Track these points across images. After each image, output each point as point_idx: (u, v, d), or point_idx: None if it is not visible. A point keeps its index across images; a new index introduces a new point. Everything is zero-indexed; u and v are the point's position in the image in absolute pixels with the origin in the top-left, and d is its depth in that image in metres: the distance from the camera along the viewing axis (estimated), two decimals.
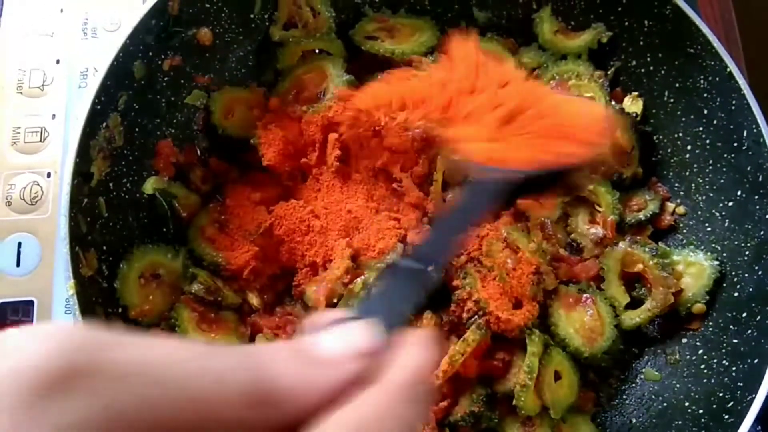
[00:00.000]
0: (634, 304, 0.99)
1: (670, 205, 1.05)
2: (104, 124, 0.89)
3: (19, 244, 1.02)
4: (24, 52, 1.13)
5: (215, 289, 0.94)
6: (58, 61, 1.14)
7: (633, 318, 0.98)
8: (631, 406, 0.98)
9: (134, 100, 0.93)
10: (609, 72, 1.08)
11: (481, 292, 0.92)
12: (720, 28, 1.37)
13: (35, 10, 1.16)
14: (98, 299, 0.85)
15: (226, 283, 0.96)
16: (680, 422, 0.91)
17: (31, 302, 1.00)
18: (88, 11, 1.16)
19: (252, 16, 1.06)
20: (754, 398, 0.81)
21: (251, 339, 0.94)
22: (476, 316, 0.92)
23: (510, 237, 0.97)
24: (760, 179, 0.91)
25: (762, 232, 0.91)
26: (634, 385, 0.99)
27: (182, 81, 1.01)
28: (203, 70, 1.04)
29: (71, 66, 1.13)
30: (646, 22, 1.02)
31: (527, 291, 0.95)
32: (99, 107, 0.88)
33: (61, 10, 1.16)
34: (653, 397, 0.96)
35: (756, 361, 0.85)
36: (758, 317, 0.88)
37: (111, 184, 0.92)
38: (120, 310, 0.89)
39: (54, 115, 1.10)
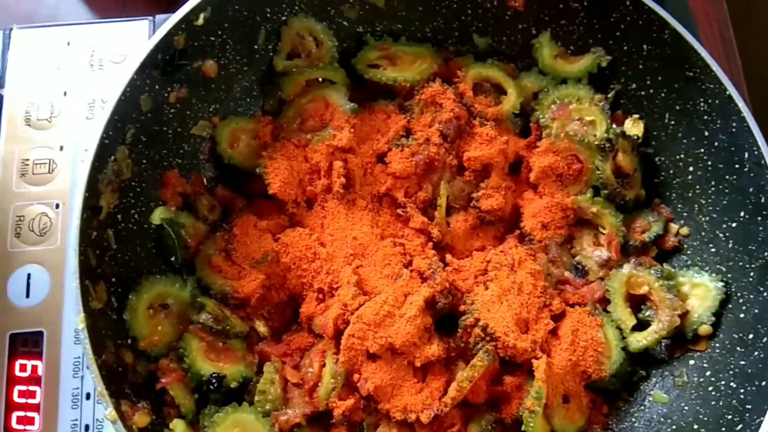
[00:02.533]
0: (641, 326, 1.00)
1: (674, 227, 1.06)
2: (112, 158, 0.91)
3: (29, 276, 1.03)
4: (31, 85, 1.15)
5: (223, 317, 0.94)
6: (65, 93, 1.15)
7: (640, 340, 0.98)
8: (641, 429, 0.97)
9: (141, 132, 0.95)
10: (609, 95, 1.09)
11: (487, 317, 0.93)
12: (719, 45, 1.39)
13: (42, 43, 1.18)
14: (108, 332, 0.86)
15: (233, 312, 0.97)
16: None
17: (41, 333, 1.01)
18: (95, 44, 1.18)
19: (256, 47, 1.08)
20: (762, 421, 0.81)
21: (259, 367, 0.94)
22: (483, 342, 0.92)
23: (515, 260, 0.98)
24: (763, 200, 0.92)
25: (766, 253, 0.92)
26: (642, 407, 0.99)
27: (188, 112, 1.03)
28: (208, 101, 1.05)
29: (78, 98, 1.15)
30: (645, 46, 1.04)
31: (533, 315, 0.95)
32: (107, 141, 0.89)
33: (68, 43, 1.18)
34: (662, 419, 0.96)
35: (764, 383, 0.85)
36: (765, 338, 0.88)
37: (119, 216, 0.93)
38: (130, 341, 0.89)
39: (62, 147, 1.12)
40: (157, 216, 0.97)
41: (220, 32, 1.02)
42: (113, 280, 0.90)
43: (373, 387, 0.91)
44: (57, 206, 1.08)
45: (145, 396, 0.86)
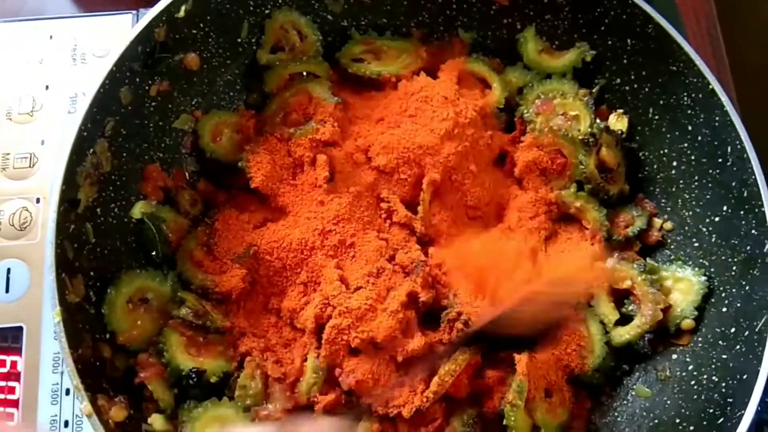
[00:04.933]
0: (624, 320, 0.99)
1: (658, 221, 1.05)
2: (91, 150, 0.90)
3: (8, 270, 1.02)
4: (13, 79, 1.14)
5: (204, 312, 0.94)
6: (47, 87, 1.14)
7: (623, 335, 0.98)
8: (623, 424, 0.97)
9: (121, 125, 0.94)
10: (594, 90, 1.09)
11: (470, 311, 0.92)
12: (707, 44, 1.39)
13: (24, 36, 1.17)
14: (85, 326, 0.85)
15: (214, 307, 0.96)
16: None
17: (20, 328, 1.00)
18: (77, 38, 1.17)
19: (239, 40, 1.07)
20: (743, 414, 0.81)
21: (239, 363, 0.94)
22: (465, 336, 0.91)
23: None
24: (745, 195, 0.92)
25: (748, 247, 0.92)
26: (625, 402, 0.99)
27: (170, 106, 1.02)
28: (191, 95, 1.04)
29: (60, 92, 1.14)
30: (629, 40, 1.04)
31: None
32: (86, 134, 0.88)
33: (51, 37, 1.17)
34: (644, 414, 0.96)
35: (745, 376, 0.85)
36: (746, 332, 0.88)
37: (98, 210, 0.92)
38: (108, 336, 0.88)
39: (43, 141, 1.11)
40: (138, 210, 0.96)
41: (202, 25, 1.01)
42: (91, 273, 0.89)
43: (354, 381, 0.90)
44: (38, 201, 1.07)
45: (124, 391, 0.86)
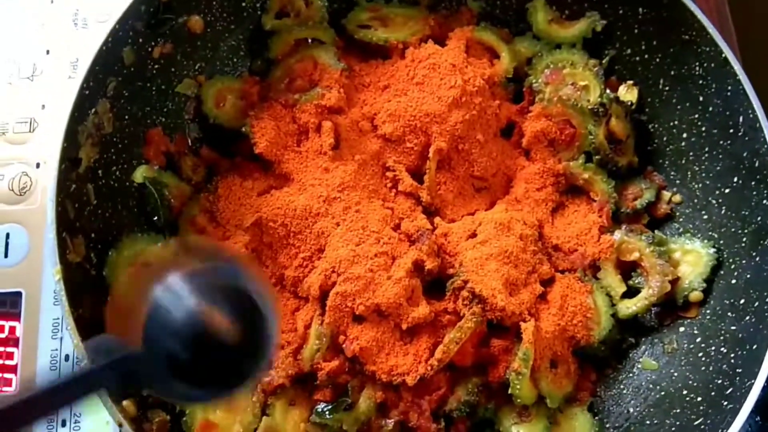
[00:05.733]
0: (631, 293, 0.98)
1: (666, 194, 1.04)
2: (93, 110, 0.88)
3: (7, 235, 1.01)
4: (13, 43, 1.12)
5: None
6: (48, 52, 1.12)
7: (629, 307, 0.97)
8: (629, 396, 0.96)
9: (124, 86, 0.92)
10: (604, 61, 1.08)
11: (475, 279, 0.91)
12: (715, 21, 1.37)
13: (25, 0, 1.15)
14: (86, 287, 0.84)
15: None
16: (678, 410, 0.89)
17: (19, 293, 0.98)
18: (79, 2, 1.15)
19: (244, 4, 1.05)
20: (753, 383, 0.80)
21: None
22: (471, 304, 0.90)
23: (505, 224, 0.96)
24: (757, 165, 0.91)
25: (759, 218, 0.91)
26: (631, 374, 0.98)
27: (173, 69, 1.00)
28: (194, 59, 1.02)
29: (61, 57, 1.12)
30: (640, 9, 1.02)
31: (522, 278, 0.94)
32: (87, 92, 0.87)
33: (52, 1, 1.15)
34: (651, 386, 0.95)
35: (755, 347, 0.84)
36: (756, 303, 0.87)
37: (100, 171, 0.90)
38: (109, 298, 0.87)
39: (43, 106, 1.09)
40: (140, 174, 0.95)
41: None
42: (92, 235, 0.88)
43: (358, 348, 0.89)
44: (38, 165, 1.06)
45: None
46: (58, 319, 0.98)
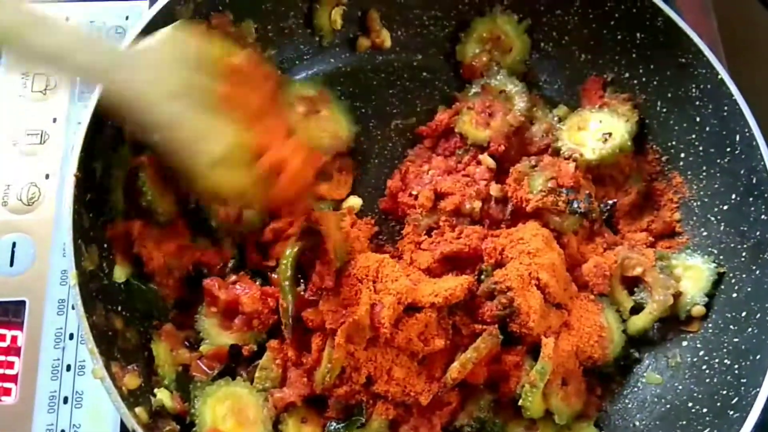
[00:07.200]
0: (634, 310, 1.00)
1: (666, 212, 1.07)
2: (110, 122, 0.89)
3: (14, 244, 1.01)
4: None
5: None
6: None
7: (636, 323, 0.98)
8: (634, 410, 0.97)
9: None
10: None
11: (519, 292, 0.90)
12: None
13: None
14: (98, 295, 0.83)
15: None
16: (684, 422, 0.90)
17: (23, 303, 0.97)
18: (94, 19, 1.18)
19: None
20: (758, 392, 0.81)
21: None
22: (501, 311, 0.90)
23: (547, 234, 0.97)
24: (755, 181, 0.94)
25: (758, 233, 0.93)
26: (636, 389, 0.99)
27: None
28: None
29: None
30: (638, 34, 1.06)
31: (560, 294, 0.94)
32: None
33: (67, 19, 1.17)
34: (656, 399, 0.96)
35: (758, 357, 0.86)
36: (758, 314, 0.89)
37: None
38: (120, 308, 0.87)
39: (55, 119, 1.10)
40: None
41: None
42: (105, 246, 0.88)
43: (372, 369, 0.88)
44: (47, 177, 1.06)
45: (135, 363, 0.84)
46: (61, 329, 0.97)
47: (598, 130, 1.05)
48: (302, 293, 0.90)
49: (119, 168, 0.89)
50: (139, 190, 0.88)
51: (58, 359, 0.96)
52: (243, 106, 0.80)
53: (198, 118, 0.76)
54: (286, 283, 0.88)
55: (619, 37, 1.09)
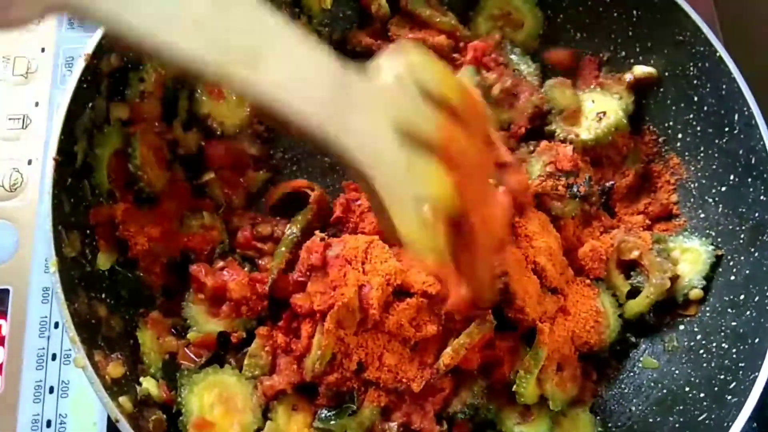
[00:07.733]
0: (631, 294, 0.98)
1: (663, 193, 1.05)
2: (90, 105, 0.87)
3: None
4: (8, 40, 1.11)
5: None
6: (43, 50, 1.11)
7: (633, 307, 0.97)
8: (631, 395, 0.96)
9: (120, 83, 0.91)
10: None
11: (515, 277, 0.88)
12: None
13: None
14: (81, 282, 0.81)
15: None
16: (681, 407, 0.89)
17: (7, 291, 0.96)
18: None
19: None
20: (757, 376, 0.80)
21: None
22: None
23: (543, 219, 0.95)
24: (753, 161, 0.92)
25: (757, 214, 0.91)
26: (632, 374, 0.97)
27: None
28: None
29: (56, 55, 1.11)
30: (634, 12, 1.04)
31: (557, 279, 0.93)
32: (85, 86, 0.85)
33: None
34: (652, 384, 0.95)
35: (757, 340, 0.84)
36: (757, 297, 0.87)
37: None
38: (103, 295, 0.85)
39: (37, 103, 1.07)
40: None
41: None
42: (88, 232, 0.86)
43: (363, 354, 0.86)
44: (30, 162, 1.04)
45: (120, 351, 0.82)
46: (45, 317, 0.95)
47: (591, 110, 1.03)
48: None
49: (104, 147, 0.87)
50: (128, 155, 0.86)
51: (43, 348, 0.94)
52: (459, 159, 0.65)
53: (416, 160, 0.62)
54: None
55: (615, 14, 1.06)
